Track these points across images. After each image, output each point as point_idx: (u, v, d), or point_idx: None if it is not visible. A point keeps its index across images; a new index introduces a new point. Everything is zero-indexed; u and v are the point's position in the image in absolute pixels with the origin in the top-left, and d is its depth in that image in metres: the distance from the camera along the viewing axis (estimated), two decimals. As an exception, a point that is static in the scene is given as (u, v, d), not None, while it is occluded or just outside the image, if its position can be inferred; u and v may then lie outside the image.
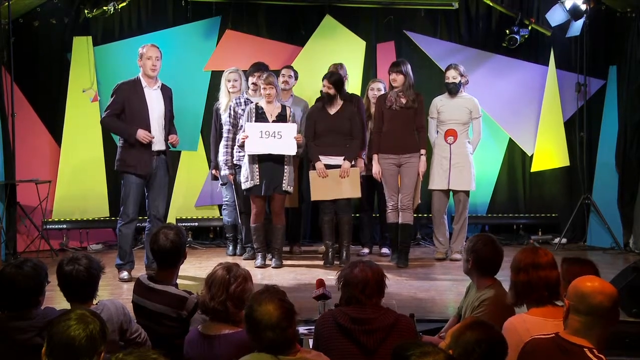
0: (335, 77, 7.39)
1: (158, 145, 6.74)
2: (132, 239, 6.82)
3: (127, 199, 6.64)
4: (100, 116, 8.47)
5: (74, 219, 8.67)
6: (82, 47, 8.73)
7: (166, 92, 6.89)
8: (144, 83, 6.74)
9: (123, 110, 6.66)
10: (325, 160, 7.31)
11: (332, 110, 7.37)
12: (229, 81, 7.83)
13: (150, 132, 6.65)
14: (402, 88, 7.30)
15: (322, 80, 7.40)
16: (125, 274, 6.64)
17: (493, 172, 9.15)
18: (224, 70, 7.99)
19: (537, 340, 3.03)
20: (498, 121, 9.09)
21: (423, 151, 7.34)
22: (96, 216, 8.75)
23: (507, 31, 8.91)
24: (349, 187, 7.28)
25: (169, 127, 6.87)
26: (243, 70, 7.91)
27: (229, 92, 7.82)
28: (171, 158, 7.18)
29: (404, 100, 7.30)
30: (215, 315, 3.52)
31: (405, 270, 7.14)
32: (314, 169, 7.32)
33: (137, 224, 6.92)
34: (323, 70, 7.93)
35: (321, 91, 7.45)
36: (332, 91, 7.31)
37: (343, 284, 3.55)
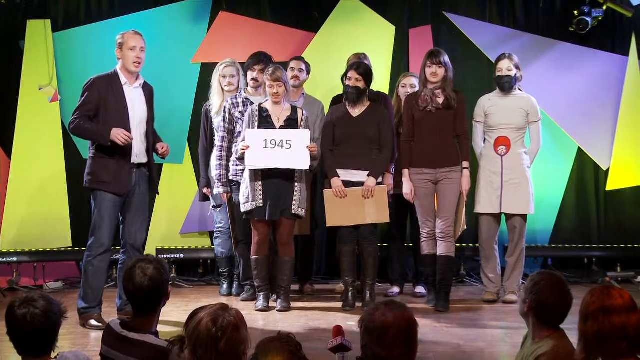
0: (364, 67, 7.42)
1: (138, 156, 6.76)
2: (105, 275, 6.84)
3: (101, 223, 6.65)
4: (63, 119, 8.58)
5: (27, 250, 8.70)
6: (38, 33, 8.82)
7: (148, 92, 6.93)
8: (123, 79, 6.76)
9: (97, 113, 6.65)
10: (345, 175, 7.34)
11: (356, 112, 7.40)
12: (224, 77, 7.88)
13: (131, 140, 6.64)
14: (442, 84, 7.33)
15: (347, 72, 7.40)
16: (93, 321, 6.64)
17: (557, 191, 9.14)
18: (217, 63, 8.05)
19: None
20: (563, 126, 9.08)
21: (466, 164, 7.35)
22: (55, 246, 8.80)
23: (576, 12, 8.90)
24: (374, 210, 7.29)
25: (153, 134, 6.92)
26: (241, 63, 7.96)
27: (223, 90, 7.87)
28: (158, 172, 7.16)
29: (441, 100, 7.33)
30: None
31: (446, 315, 7.13)
32: (330, 186, 7.35)
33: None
34: (341, 62, 7.97)
35: (346, 86, 7.42)
36: (361, 84, 7.34)
37: (362, 331, 3.53)
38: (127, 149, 6.62)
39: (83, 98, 6.71)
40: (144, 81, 6.92)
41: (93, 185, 6.71)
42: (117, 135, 6.51)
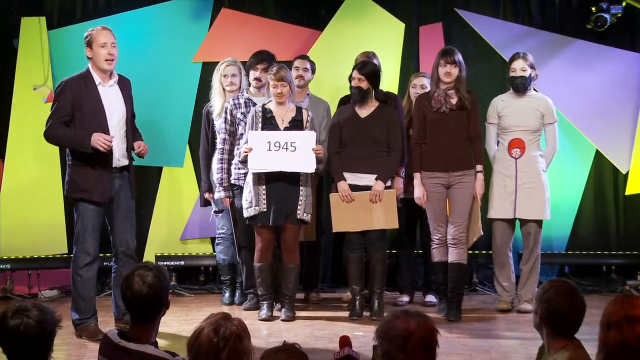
0: (370, 67, 7.43)
1: (120, 159, 6.71)
2: (95, 284, 6.86)
3: (85, 232, 6.64)
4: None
5: (21, 257, 8.73)
6: (32, 31, 8.84)
7: (125, 87, 6.84)
8: (96, 79, 6.66)
9: (72, 118, 6.57)
10: (352, 179, 7.35)
11: (364, 113, 7.41)
12: (225, 77, 7.90)
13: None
14: (455, 84, 7.33)
15: (352, 72, 7.42)
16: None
17: (574, 195, 9.13)
18: (218, 62, 8.06)
19: None
20: (580, 127, 9.07)
21: (480, 167, 7.37)
22: (51, 253, 8.81)
23: (594, 8, 8.91)
24: (382, 215, 7.30)
25: (133, 132, 6.87)
26: (243, 62, 7.98)
27: (224, 90, 7.88)
28: (135, 174, 7.12)
29: (455, 101, 7.34)
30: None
31: (458, 325, 7.14)
32: (336, 190, 7.37)
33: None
34: (349, 61, 7.98)
35: (351, 87, 7.44)
36: (364, 84, 7.35)
37: (382, 339, 3.52)
38: (108, 153, 6.54)
39: (56, 103, 6.62)
40: (119, 76, 6.82)
41: (73, 195, 6.68)
42: (98, 141, 6.42)
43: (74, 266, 6.68)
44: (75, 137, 6.53)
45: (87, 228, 6.63)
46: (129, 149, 6.79)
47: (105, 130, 6.56)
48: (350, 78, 7.49)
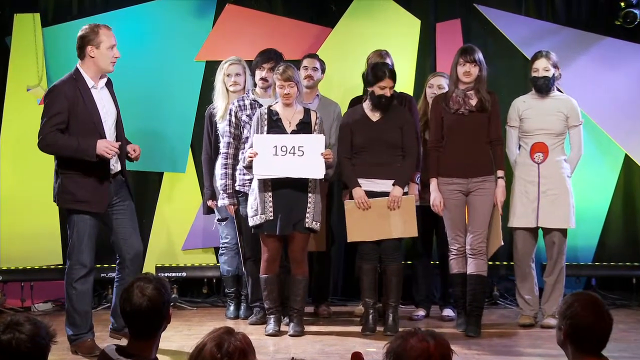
0: (393, 71, 7.42)
1: (115, 165, 6.69)
2: (91, 297, 6.88)
3: (81, 244, 6.62)
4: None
5: (13, 268, 8.77)
6: (26, 29, 8.88)
7: (110, 87, 6.81)
8: (89, 82, 6.60)
9: (67, 125, 6.51)
10: (368, 185, 7.36)
11: (376, 116, 7.42)
12: (229, 76, 7.92)
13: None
14: (475, 85, 7.34)
15: (376, 78, 7.31)
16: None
17: (602, 202, 9.13)
18: (221, 61, 8.09)
19: None
20: (607, 130, 9.07)
21: (501, 173, 7.37)
22: (45, 264, 8.85)
23: (622, 4, 8.91)
24: (400, 223, 7.31)
25: (122, 135, 6.83)
26: (248, 61, 8.01)
27: (228, 91, 7.91)
28: (135, 181, 7.11)
29: (474, 102, 7.35)
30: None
31: (477, 341, 7.14)
32: (351, 197, 7.38)
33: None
34: (361, 60, 7.99)
35: (379, 96, 7.37)
36: (392, 91, 7.36)
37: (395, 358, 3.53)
38: (105, 161, 6.51)
39: (51, 110, 6.52)
40: (107, 78, 6.78)
41: (69, 205, 6.65)
42: (106, 148, 6.40)
43: (69, 279, 6.67)
44: (79, 146, 6.43)
45: (82, 239, 6.62)
46: (122, 153, 6.73)
47: (102, 134, 6.56)
48: (366, 78, 7.46)
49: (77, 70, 6.62)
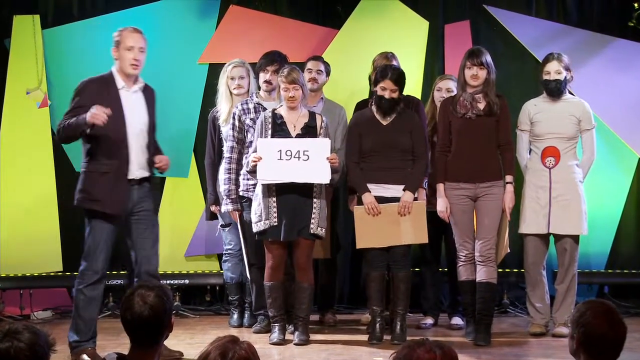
0: (402, 76, 7.37)
1: (139, 170, 6.74)
2: (99, 305, 6.87)
3: (95, 248, 6.64)
4: (53, 127, 8.63)
5: (12, 275, 8.77)
6: (25, 31, 8.90)
7: (149, 97, 6.90)
8: (119, 83, 6.73)
9: None
10: (378, 190, 7.35)
11: (386, 120, 7.42)
12: (232, 79, 7.93)
13: (127, 151, 6.61)
14: (483, 88, 7.34)
15: (378, 78, 7.34)
16: (85, 357, 6.64)
17: (614, 208, 9.11)
18: (225, 64, 8.10)
19: None
20: (621, 134, 9.06)
21: (510, 178, 7.37)
22: (44, 271, 8.86)
23: (636, 5, 8.91)
24: (410, 229, 7.30)
25: (154, 145, 6.91)
26: (252, 64, 8.01)
27: (231, 94, 7.92)
28: (160, 186, 7.14)
29: (482, 106, 7.34)
30: None
31: (487, 350, 7.13)
32: (359, 203, 7.38)
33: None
34: (367, 63, 7.99)
35: (379, 97, 7.38)
36: (396, 94, 7.35)
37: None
38: (123, 161, 6.60)
39: (73, 103, 6.67)
40: (145, 84, 6.89)
41: (85, 204, 6.69)
42: (96, 114, 6.35)
43: (79, 283, 6.68)
44: (77, 118, 6.49)
45: (98, 244, 6.63)
46: (150, 161, 6.81)
47: (123, 137, 6.62)
48: (371, 79, 7.48)
49: (111, 70, 6.77)
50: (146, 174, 6.82)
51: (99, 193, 6.61)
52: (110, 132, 6.56)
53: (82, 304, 6.67)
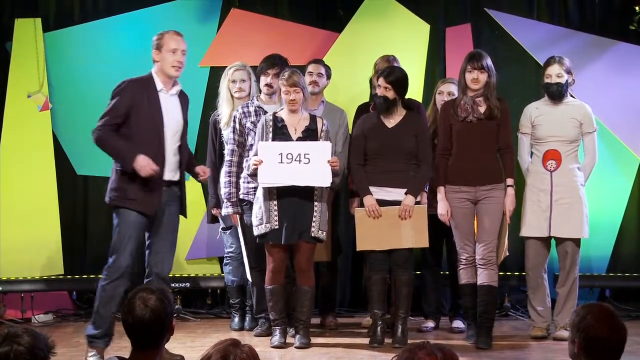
0: (397, 74, 7.40)
1: (170, 173, 6.76)
2: (119, 303, 6.83)
3: (123, 245, 6.62)
4: (54, 130, 8.64)
5: (13, 279, 8.77)
6: (27, 34, 8.91)
7: (184, 101, 6.96)
8: (159, 85, 6.76)
9: (125, 121, 6.62)
10: (379, 193, 7.36)
11: (391, 122, 7.42)
12: (234, 82, 7.93)
13: (164, 154, 6.65)
14: (484, 91, 7.35)
15: (375, 79, 7.41)
16: (93, 354, 6.61)
17: (616, 211, 9.11)
18: (226, 67, 8.10)
19: None
20: (622, 137, 9.06)
21: (510, 181, 7.37)
22: (45, 274, 8.85)
23: (637, 8, 8.90)
24: (411, 233, 7.30)
25: (186, 148, 6.95)
26: (253, 67, 8.02)
27: (232, 97, 7.92)
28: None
29: (483, 109, 7.35)
30: None
31: (488, 354, 7.13)
32: (361, 205, 7.38)
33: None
34: (368, 66, 8.00)
35: (374, 95, 7.43)
36: (390, 94, 7.36)
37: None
38: (159, 162, 6.60)
39: (113, 102, 6.67)
40: (181, 89, 6.94)
41: (118, 203, 6.67)
42: (144, 167, 6.46)
43: (103, 279, 6.67)
44: (122, 151, 6.57)
45: (126, 240, 6.63)
46: (181, 165, 6.86)
47: (160, 140, 6.66)
48: (372, 82, 7.50)
49: (150, 73, 6.80)
50: (177, 177, 6.85)
51: (135, 193, 6.62)
52: (148, 133, 6.63)
53: (100, 300, 6.66)
